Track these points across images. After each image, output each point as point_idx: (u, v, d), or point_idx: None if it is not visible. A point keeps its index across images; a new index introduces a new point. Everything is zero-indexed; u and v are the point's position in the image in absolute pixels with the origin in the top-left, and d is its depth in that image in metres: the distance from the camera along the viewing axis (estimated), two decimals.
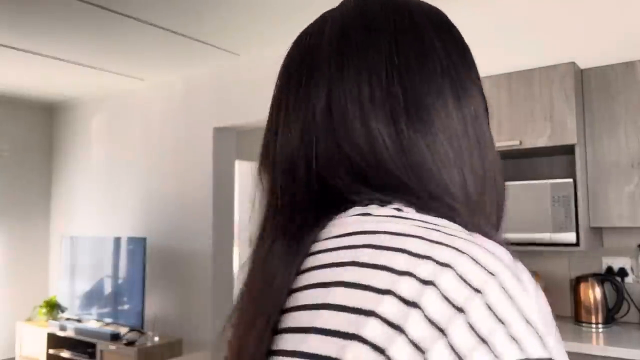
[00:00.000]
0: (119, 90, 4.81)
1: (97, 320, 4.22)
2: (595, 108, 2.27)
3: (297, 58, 0.52)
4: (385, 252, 0.38)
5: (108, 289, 4.22)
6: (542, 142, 2.27)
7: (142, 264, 3.94)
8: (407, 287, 0.35)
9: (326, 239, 0.43)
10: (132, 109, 4.72)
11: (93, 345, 3.99)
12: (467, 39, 0.54)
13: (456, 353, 0.33)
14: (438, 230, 0.39)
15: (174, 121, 4.37)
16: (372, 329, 0.35)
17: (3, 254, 5.00)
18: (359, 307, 0.36)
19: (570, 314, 2.53)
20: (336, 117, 0.44)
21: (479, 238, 0.39)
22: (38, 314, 4.57)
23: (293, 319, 0.40)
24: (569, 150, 2.35)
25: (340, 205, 0.44)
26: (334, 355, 0.36)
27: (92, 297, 4.31)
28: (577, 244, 2.18)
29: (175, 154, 4.32)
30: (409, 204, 0.43)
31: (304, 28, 0.56)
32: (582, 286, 2.30)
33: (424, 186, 0.43)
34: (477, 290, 0.35)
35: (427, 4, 0.51)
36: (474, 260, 0.36)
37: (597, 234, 2.39)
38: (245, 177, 5.69)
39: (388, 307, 0.35)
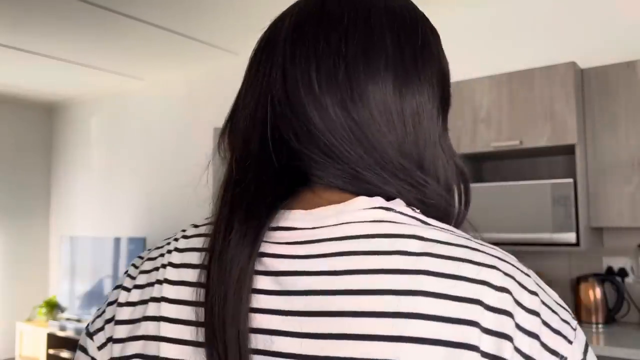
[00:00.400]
0: (118, 90, 4.80)
1: None
2: (596, 108, 2.27)
3: (261, 42, 0.58)
4: (449, 261, 0.39)
5: (108, 289, 4.22)
6: (542, 142, 2.27)
7: None
8: (493, 297, 0.38)
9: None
10: (132, 108, 4.71)
11: None
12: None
13: (551, 351, 0.38)
14: (469, 239, 0.42)
15: (174, 121, 4.37)
16: (481, 339, 0.36)
17: (3, 254, 5.00)
18: (458, 317, 0.37)
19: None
20: (292, 99, 0.48)
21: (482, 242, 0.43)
22: (38, 314, 4.57)
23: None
24: (569, 150, 2.35)
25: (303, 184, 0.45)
26: None
27: (92, 297, 4.31)
28: (577, 244, 2.18)
29: (175, 154, 4.32)
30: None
31: None
32: (583, 286, 2.30)
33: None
34: (535, 293, 0.39)
35: (399, 2, 0.53)
36: (513, 265, 0.41)
37: (597, 234, 2.39)
38: None
39: (487, 316, 0.37)
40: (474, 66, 2.93)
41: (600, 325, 2.24)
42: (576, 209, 2.18)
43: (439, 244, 0.40)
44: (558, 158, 2.60)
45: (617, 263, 2.42)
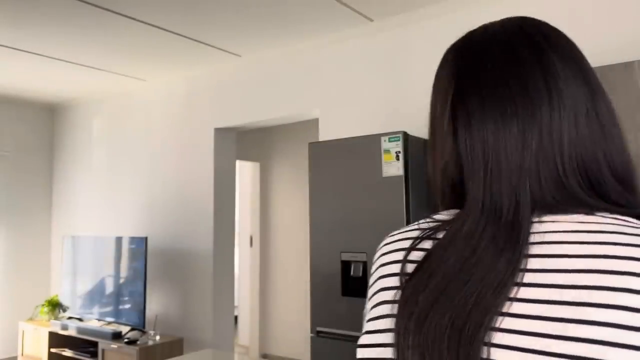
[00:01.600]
0: (120, 91, 4.83)
1: (99, 320, 4.24)
2: None
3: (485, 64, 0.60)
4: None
5: (109, 288, 4.24)
6: None
7: (144, 263, 3.96)
8: None
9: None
10: (133, 109, 4.74)
11: (95, 344, 4.01)
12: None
13: None
14: None
15: (176, 121, 4.39)
16: None
17: (5, 254, 5.02)
18: None
19: None
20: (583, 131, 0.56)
21: None
22: (40, 313, 4.59)
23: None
24: None
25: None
26: None
27: (94, 297, 4.33)
28: None
29: (177, 154, 4.34)
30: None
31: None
32: None
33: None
34: None
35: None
36: None
37: None
38: (246, 177, 5.71)
39: None
40: None
41: None
42: None
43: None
44: None
45: None
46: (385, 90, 3.27)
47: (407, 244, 0.59)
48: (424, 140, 2.63)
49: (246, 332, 5.58)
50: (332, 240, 2.60)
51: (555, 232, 0.51)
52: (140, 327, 3.91)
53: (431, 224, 0.59)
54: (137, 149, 4.65)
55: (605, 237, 0.49)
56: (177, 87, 4.41)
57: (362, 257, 2.49)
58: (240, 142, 5.32)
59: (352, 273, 2.51)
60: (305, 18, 3.16)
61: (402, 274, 0.56)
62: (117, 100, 4.89)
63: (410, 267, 0.55)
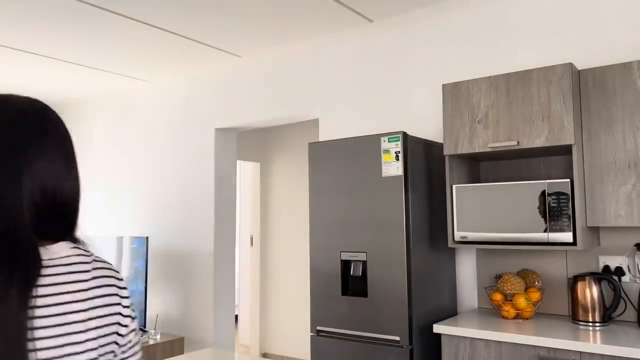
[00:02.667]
0: (121, 91, 4.84)
1: None
2: (593, 108, 2.29)
3: None
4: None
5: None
6: (539, 142, 2.30)
7: (145, 263, 3.97)
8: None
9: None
10: (134, 109, 4.75)
11: None
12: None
13: None
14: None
15: (176, 122, 4.40)
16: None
17: None
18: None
19: (568, 313, 2.55)
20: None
21: None
22: None
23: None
24: (566, 150, 2.37)
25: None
26: None
27: None
28: (574, 243, 2.20)
29: (177, 154, 4.35)
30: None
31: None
32: (579, 285, 2.32)
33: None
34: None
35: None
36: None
37: (594, 233, 2.41)
38: (247, 177, 5.72)
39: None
40: (471, 67, 2.96)
41: (597, 324, 2.26)
42: (573, 208, 2.21)
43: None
44: (555, 158, 2.63)
45: (613, 262, 2.44)
46: (385, 90, 3.28)
47: None
48: (424, 141, 2.64)
49: (247, 331, 5.59)
50: (332, 240, 2.61)
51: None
52: (141, 326, 3.93)
53: None
54: (138, 149, 4.66)
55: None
56: (178, 87, 4.42)
57: (362, 257, 2.50)
58: (240, 142, 5.33)
59: (352, 272, 2.53)
60: (305, 19, 3.17)
61: None
62: (117, 100, 4.91)
63: None
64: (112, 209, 4.82)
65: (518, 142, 2.34)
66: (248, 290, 5.56)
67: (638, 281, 2.38)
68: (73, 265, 0.70)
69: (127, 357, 0.74)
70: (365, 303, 2.47)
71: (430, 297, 2.57)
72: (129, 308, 0.74)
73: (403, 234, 2.39)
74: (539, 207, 2.27)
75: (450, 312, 2.78)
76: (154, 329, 3.94)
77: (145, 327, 3.92)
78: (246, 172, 5.75)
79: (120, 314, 0.73)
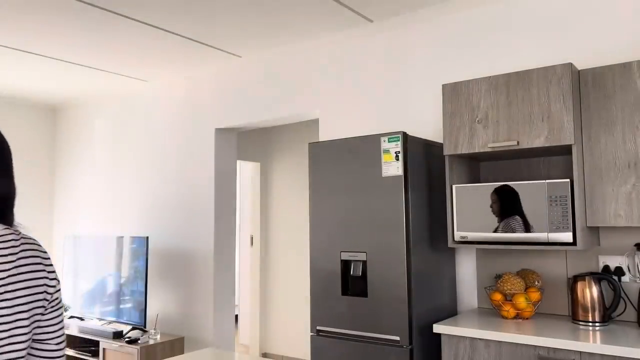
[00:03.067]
0: (122, 91, 4.84)
1: (100, 319, 4.26)
2: (592, 109, 2.29)
3: None
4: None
5: (110, 287, 4.26)
6: (539, 142, 2.30)
7: (145, 262, 3.97)
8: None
9: None
10: (135, 109, 4.75)
11: (96, 343, 4.03)
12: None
13: None
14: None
15: (177, 122, 4.40)
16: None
17: None
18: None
19: (568, 313, 2.55)
20: None
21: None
22: None
23: None
24: (566, 150, 2.37)
25: None
26: None
27: (95, 296, 4.35)
28: (574, 243, 2.20)
29: (178, 154, 4.35)
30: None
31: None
32: (579, 285, 2.32)
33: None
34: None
35: None
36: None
37: (594, 233, 2.41)
38: (247, 177, 5.72)
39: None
40: (471, 67, 2.96)
41: (597, 324, 2.27)
42: (573, 208, 2.21)
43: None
44: (555, 158, 2.63)
45: (613, 262, 2.44)
46: (385, 90, 3.28)
47: None
48: (424, 141, 2.64)
49: (247, 331, 5.59)
50: (332, 240, 2.61)
51: None
52: (141, 326, 3.93)
53: None
54: (139, 149, 4.66)
55: None
56: (178, 87, 4.42)
57: (362, 257, 2.50)
58: (240, 142, 5.34)
59: (352, 272, 2.53)
60: (305, 19, 3.17)
61: None
62: (118, 100, 4.91)
63: None
64: (112, 209, 4.83)
65: (518, 142, 2.35)
66: (248, 290, 5.56)
67: (638, 281, 2.38)
68: (5, 243, 0.95)
69: (55, 309, 0.97)
70: (365, 303, 2.47)
71: (430, 297, 2.58)
72: (54, 273, 0.99)
73: (403, 234, 2.39)
74: (538, 208, 2.27)
75: (450, 312, 2.78)
76: (154, 329, 3.94)
77: (145, 326, 3.92)
78: (246, 172, 5.75)
79: (46, 277, 0.96)
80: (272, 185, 5.61)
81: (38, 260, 0.98)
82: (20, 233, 1.03)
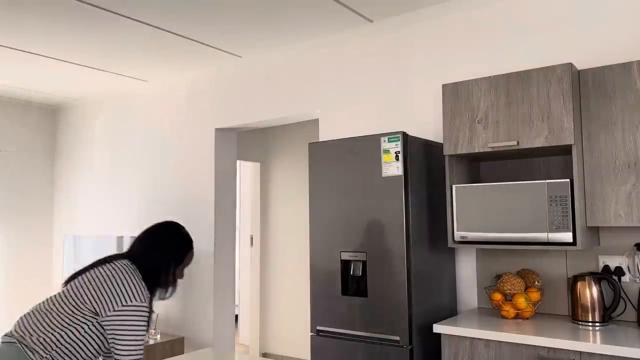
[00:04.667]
0: (122, 91, 4.84)
1: None
2: (592, 109, 2.29)
3: None
4: None
5: None
6: (539, 142, 2.30)
7: None
8: None
9: None
10: (135, 109, 4.75)
11: None
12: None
13: None
14: None
15: (176, 122, 4.40)
16: None
17: (7, 253, 5.04)
18: None
19: (568, 313, 2.55)
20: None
21: None
22: None
23: None
24: (565, 150, 2.37)
25: None
26: None
27: None
28: (574, 243, 2.20)
29: (178, 155, 4.36)
30: None
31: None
32: (579, 285, 2.32)
33: None
34: None
35: None
36: None
37: (593, 233, 2.41)
38: (247, 177, 5.73)
39: None
40: (471, 67, 2.96)
41: (597, 324, 2.26)
42: (572, 208, 2.21)
43: None
44: (555, 158, 2.63)
45: (613, 262, 2.44)
46: (385, 90, 3.28)
47: None
48: (424, 141, 2.64)
49: (247, 331, 5.59)
50: (332, 240, 2.61)
51: None
52: None
53: None
54: (139, 149, 4.66)
55: None
56: (178, 87, 4.42)
57: (362, 257, 2.50)
58: (240, 142, 5.34)
59: (352, 272, 2.53)
60: (305, 19, 3.17)
61: None
62: (118, 100, 4.91)
63: None
64: (112, 209, 4.83)
65: (518, 142, 2.35)
66: (248, 290, 5.56)
67: (638, 281, 2.38)
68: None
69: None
70: (365, 303, 2.47)
71: (430, 297, 2.58)
72: None
73: (403, 234, 2.39)
74: (538, 208, 2.27)
75: (450, 312, 2.78)
76: (154, 329, 3.94)
77: None
78: (246, 172, 5.75)
79: None
80: (272, 185, 5.61)
81: None
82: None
